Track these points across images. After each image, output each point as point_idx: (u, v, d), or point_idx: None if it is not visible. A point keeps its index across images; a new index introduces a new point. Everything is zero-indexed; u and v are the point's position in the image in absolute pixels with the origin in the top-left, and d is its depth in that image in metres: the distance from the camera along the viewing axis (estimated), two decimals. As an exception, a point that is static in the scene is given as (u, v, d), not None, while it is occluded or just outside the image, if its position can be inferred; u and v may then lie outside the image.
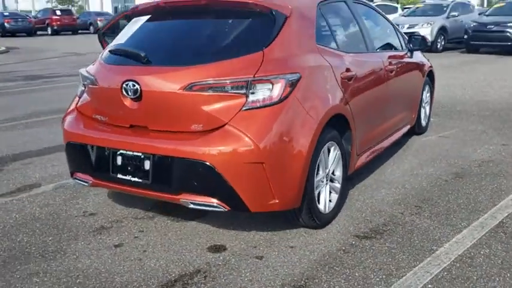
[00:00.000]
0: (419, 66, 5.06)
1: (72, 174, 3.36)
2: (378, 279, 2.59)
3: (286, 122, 2.74)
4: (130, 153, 2.91)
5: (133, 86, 2.83)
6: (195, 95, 2.73)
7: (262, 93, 2.71)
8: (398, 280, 2.57)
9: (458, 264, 2.72)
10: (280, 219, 3.20)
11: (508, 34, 14.52)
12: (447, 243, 2.96)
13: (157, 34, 3.28)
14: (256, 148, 2.64)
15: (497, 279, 2.57)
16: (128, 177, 2.93)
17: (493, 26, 14.85)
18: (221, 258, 2.85)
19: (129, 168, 2.93)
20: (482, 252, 2.85)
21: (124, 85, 2.87)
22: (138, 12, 3.44)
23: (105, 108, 3.10)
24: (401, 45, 4.73)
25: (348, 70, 3.38)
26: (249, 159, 2.65)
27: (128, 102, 2.91)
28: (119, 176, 2.97)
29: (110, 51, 3.22)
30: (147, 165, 2.86)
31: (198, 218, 3.36)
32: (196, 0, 3.17)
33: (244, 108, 2.69)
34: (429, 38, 14.91)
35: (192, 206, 2.81)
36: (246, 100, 2.70)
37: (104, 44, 4.53)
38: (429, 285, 2.52)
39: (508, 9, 15.99)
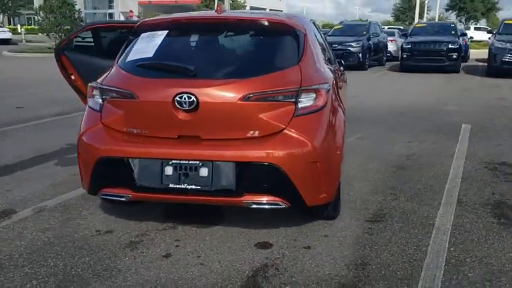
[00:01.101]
0: (345, 79, 5.85)
1: (96, 191, 3.24)
2: (412, 250, 3.15)
3: (328, 125, 3.15)
4: (186, 162, 2.99)
5: (189, 98, 2.95)
6: (252, 104, 2.97)
7: (307, 101, 3.07)
8: (427, 248, 3.17)
9: (457, 232, 3.42)
10: (287, 215, 3.56)
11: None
12: (437, 218, 3.66)
13: (190, 48, 3.39)
14: (313, 149, 2.99)
15: (490, 237, 3.34)
16: (184, 186, 3.01)
17: (337, 45, 16.98)
18: (275, 252, 3.11)
19: (183, 176, 3.00)
20: (465, 221, 3.61)
21: (177, 97, 2.96)
22: (148, 26, 3.48)
23: (146, 120, 3.11)
24: (334, 60, 5.44)
25: (336, 80, 3.91)
26: (308, 159, 2.99)
27: (180, 113, 2.99)
28: (172, 185, 3.02)
29: (141, 64, 3.21)
30: (204, 172, 2.98)
31: (222, 223, 3.53)
32: (223, 17, 3.38)
33: (295, 115, 3.02)
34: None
35: (254, 206, 3.03)
36: (296, 107, 3.03)
37: (62, 59, 4.33)
38: (451, 248, 3.16)
39: (346, 30, 18.50)
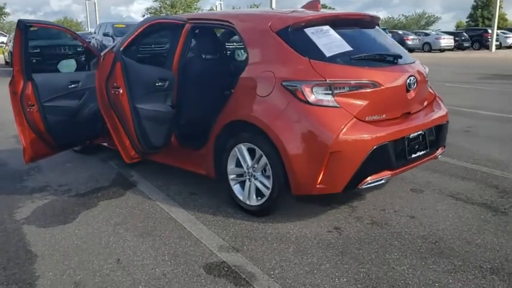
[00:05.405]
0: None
1: (357, 184, 3.28)
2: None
3: None
4: (416, 133, 3.56)
5: (414, 79, 3.52)
6: (427, 80, 3.85)
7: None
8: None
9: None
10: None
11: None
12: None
13: (362, 40, 3.79)
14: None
15: None
16: (418, 154, 3.60)
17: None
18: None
19: (416, 146, 3.57)
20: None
21: (408, 80, 3.46)
22: (306, 23, 3.49)
23: (385, 105, 3.39)
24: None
25: None
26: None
27: (407, 94, 3.51)
28: (412, 156, 3.55)
29: (358, 57, 3.41)
30: (422, 139, 3.65)
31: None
32: (366, 15, 3.97)
33: (430, 86, 4.01)
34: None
35: (439, 157, 3.91)
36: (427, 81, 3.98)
37: (117, 66, 3.43)
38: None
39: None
